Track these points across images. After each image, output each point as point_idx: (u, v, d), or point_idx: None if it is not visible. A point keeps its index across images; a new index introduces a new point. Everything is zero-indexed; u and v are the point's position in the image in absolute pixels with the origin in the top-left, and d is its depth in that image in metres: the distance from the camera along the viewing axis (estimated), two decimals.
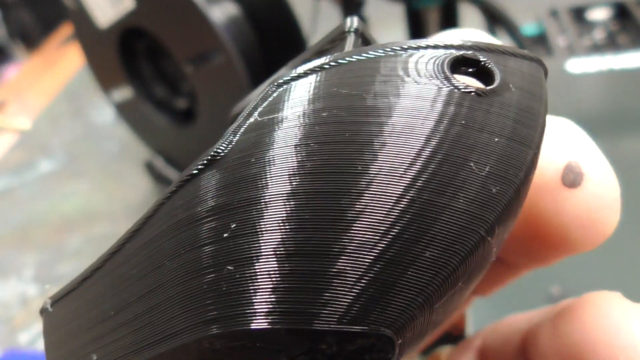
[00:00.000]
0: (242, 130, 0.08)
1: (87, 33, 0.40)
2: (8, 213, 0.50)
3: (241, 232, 0.07)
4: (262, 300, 0.07)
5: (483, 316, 0.25)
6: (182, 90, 0.41)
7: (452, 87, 0.08)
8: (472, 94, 0.08)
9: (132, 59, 0.40)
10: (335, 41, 0.10)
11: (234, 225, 0.07)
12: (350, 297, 0.07)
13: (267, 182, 0.07)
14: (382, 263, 0.07)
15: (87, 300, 0.09)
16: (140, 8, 0.35)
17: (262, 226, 0.07)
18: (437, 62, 0.08)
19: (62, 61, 0.76)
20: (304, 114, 0.08)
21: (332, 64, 0.08)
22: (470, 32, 0.12)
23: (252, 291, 0.07)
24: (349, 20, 0.10)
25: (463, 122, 0.08)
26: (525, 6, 0.52)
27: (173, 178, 0.44)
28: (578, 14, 0.48)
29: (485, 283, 0.13)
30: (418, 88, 0.08)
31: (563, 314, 0.10)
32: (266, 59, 0.36)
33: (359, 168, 0.07)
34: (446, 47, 0.08)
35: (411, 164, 0.07)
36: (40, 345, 0.36)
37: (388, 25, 0.45)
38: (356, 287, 0.07)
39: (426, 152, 0.07)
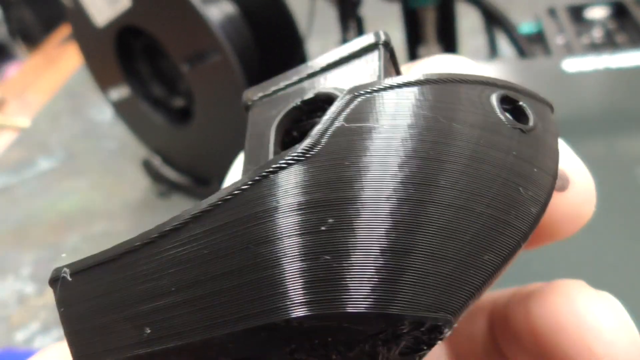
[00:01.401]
0: (329, 133, 0.09)
1: (84, 32, 0.40)
2: (6, 211, 0.50)
3: (338, 227, 0.08)
4: (359, 287, 0.08)
5: None
6: (179, 89, 0.41)
7: (507, 123, 0.10)
8: (520, 130, 0.10)
9: (129, 58, 0.40)
10: (365, 51, 0.12)
11: (331, 220, 0.08)
12: (429, 289, 0.09)
13: (363, 185, 0.09)
14: (454, 263, 0.09)
15: (132, 274, 0.09)
16: (137, 7, 0.35)
17: (360, 224, 0.08)
18: (493, 97, 0.10)
19: (62, 59, 0.76)
20: (393, 126, 0.09)
21: (414, 81, 0.10)
22: (455, 59, 0.13)
23: (349, 279, 0.08)
24: (377, 33, 0.11)
25: (515, 153, 0.09)
26: (523, 5, 0.52)
27: (170, 176, 0.44)
28: (576, 13, 0.48)
29: None
30: (483, 119, 0.10)
31: (534, 298, 0.12)
32: (262, 57, 0.36)
33: (442, 182, 0.09)
34: (495, 85, 0.10)
35: (486, 185, 0.09)
36: (37, 345, 0.36)
37: (384, 24, 0.45)
38: (434, 281, 0.09)
39: (493, 176, 0.09)
